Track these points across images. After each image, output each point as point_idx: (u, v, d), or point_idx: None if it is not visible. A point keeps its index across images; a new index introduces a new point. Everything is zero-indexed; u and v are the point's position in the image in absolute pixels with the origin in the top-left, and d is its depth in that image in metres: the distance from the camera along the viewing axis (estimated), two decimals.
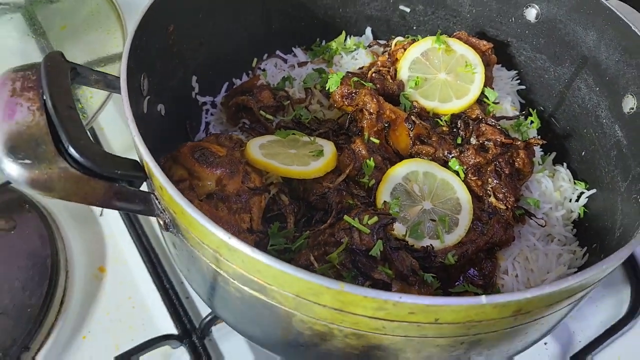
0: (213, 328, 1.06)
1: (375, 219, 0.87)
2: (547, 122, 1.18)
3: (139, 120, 0.83)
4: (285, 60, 1.27)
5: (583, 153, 1.10)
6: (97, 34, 1.46)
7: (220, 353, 1.07)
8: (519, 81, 1.22)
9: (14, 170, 0.67)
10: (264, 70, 1.25)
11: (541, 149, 1.15)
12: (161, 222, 0.76)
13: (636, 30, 0.94)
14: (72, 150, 0.69)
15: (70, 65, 0.80)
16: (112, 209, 0.74)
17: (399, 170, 0.96)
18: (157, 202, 0.75)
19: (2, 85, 0.74)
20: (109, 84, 0.87)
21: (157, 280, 1.10)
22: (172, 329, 1.06)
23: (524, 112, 1.19)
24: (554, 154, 1.15)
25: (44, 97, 0.72)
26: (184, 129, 1.14)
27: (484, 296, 0.61)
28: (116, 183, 0.73)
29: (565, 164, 1.13)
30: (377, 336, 0.68)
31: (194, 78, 1.13)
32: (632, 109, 0.96)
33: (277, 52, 1.27)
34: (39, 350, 1.05)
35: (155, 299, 1.12)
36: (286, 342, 0.78)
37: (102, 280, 1.17)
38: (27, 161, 0.67)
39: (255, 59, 1.25)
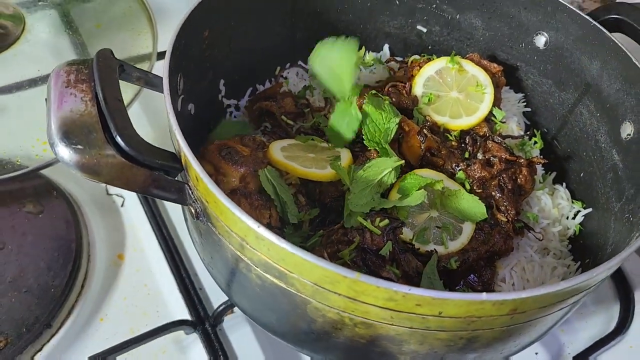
0: (226, 317, 1.13)
1: (386, 221, 0.93)
2: (549, 143, 1.26)
3: (177, 117, 0.91)
4: (306, 70, 1.34)
5: (582, 174, 1.18)
6: (128, 34, 1.53)
7: (229, 342, 1.13)
8: (525, 103, 1.30)
9: (66, 154, 0.74)
10: (286, 78, 1.32)
11: (543, 168, 1.22)
12: (192, 211, 0.83)
13: (636, 63, 1.02)
14: (119, 139, 0.76)
15: (119, 62, 0.87)
16: (149, 195, 0.80)
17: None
18: (190, 192, 0.82)
19: (56, 76, 0.81)
20: (150, 82, 0.94)
21: (175, 268, 1.17)
22: (185, 316, 1.12)
23: (528, 133, 1.26)
24: (554, 174, 1.22)
25: (96, 90, 0.79)
26: (207, 128, 1.21)
27: (484, 293, 0.68)
28: (155, 172, 0.80)
29: (564, 184, 1.20)
30: (385, 326, 0.74)
31: (222, 82, 1.20)
32: (629, 135, 1.03)
33: (300, 62, 1.34)
34: (59, 328, 1.11)
35: (170, 287, 1.19)
36: (298, 329, 0.85)
37: (121, 266, 1.24)
38: (79, 146, 0.74)
39: (279, 67, 1.33)
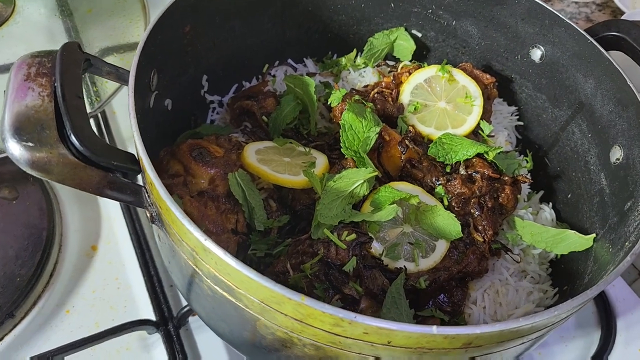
0: (190, 318, 1.11)
1: (353, 236, 0.90)
2: (540, 160, 1.21)
3: (142, 115, 0.88)
4: (295, 69, 1.31)
5: (569, 195, 1.13)
6: (121, 21, 1.51)
7: (195, 343, 1.11)
8: (518, 117, 1.25)
9: (16, 150, 0.71)
10: (273, 76, 1.29)
11: (529, 187, 1.18)
12: (148, 215, 0.80)
13: (631, 86, 0.97)
14: (73, 138, 0.73)
15: (85, 56, 0.85)
16: (104, 197, 0.78)
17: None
18: (147, 195, 0.80)
19: (18, 68, 0.79)
20: (120, 76, 0.92)
21: (144, 265, 1.15)
22: (150, 315, 1.10)
23: (517, 148, 1.22)
24: (541, 193, 1.18)
25: (55, 85, 0.76)
26: (189, 123, 1.18)
27: (434, 326, 0.64)
28: (111, 173, 0.77)
29: (550, 204, 1.16)
30: (334, 350, 0.72)
31: (205, 77, 1.17)
32: (618, 159, 0.99)
33: (289, 60, 1.31)
34: (22, 319, 1.10)
35: (140, 284, 1.17)
36: (251, 342, 0.82)
37: (93, 258, 1.22)
38: (30, 143, 0.71)
39: (267, 65, 1.29)
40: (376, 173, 0.96)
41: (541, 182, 1.20)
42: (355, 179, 0.94)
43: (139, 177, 0.83)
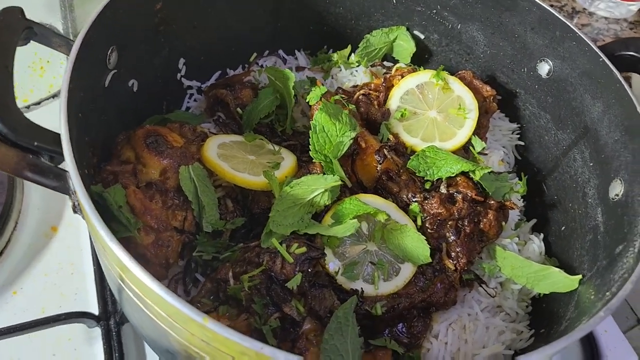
0: None
1: (303, 249, 0.82)
2: (537, 185, 1.10)
3: (91, 94, 0.81)
4: (285, 61, 1.22)
5: (563, 228, 1.02)
6: None
7: (141, 342, 1.04)
8: (519, 136, 1.14)
9: None
10: (261, 66, 1.20)
11: (519, 214, 1.07)
12: (72, 203, 0.73)
13: None
14: None
15: (27, 24, 0.78)
16: (24, 179, 0.71)
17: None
18: (71, 181, 0.72)
19: None
20: (71, 49, 0.85)
21: (94, 255, 1.09)
22: (94, 309, 1.04)
23: (514, 169, 1.11)
24: (533, 221, 1.07)
25: None
26: (161, 108, 1.11)
27: None
28: (32, 155, 0.70)
29: (542, 235, 1.04)
30: None
31: (182, 60, 1.10)
32: (617, 195, 0.87)
33: (280, 51, 1.23)
34: None
35: (92, 274, 1.10)
36: (171, 356, 0.75)
37: (51, 239, 1.17)
38: None
39: (255, 54, 1.21)
40: (339, 183, 0.87)
41: (536, 209, 1.09)
42: (314, 187, 0.85)
43: None
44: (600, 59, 0.93)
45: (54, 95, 1.24)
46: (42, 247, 1.15)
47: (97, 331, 1.04)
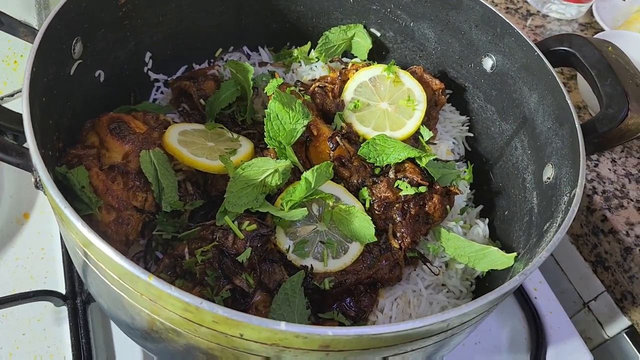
0: None
1: (254, 226, 0.87)
2: (485, 174, 1.17)
3: (55, 81, 0.87)
4: (249, 57, 1.28)
5: (506, 212, 1.09)
6: None
7: (108, 320, 1.09)
8: (468, 128, 1.21)
9: None
10: (226, 61, 1.26)
11: (467, 200, 1.13)
12: (33, 180, 0.78)
13: (569, 102, 0.93)
14: None
15: None
16: None
17: None
18: None
19: None
20: None
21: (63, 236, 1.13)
22: (61, 288, 1.09)
23: (463, 159, 1.18)
24: (480, 207, 1.13)
25: None
26: (129, 99, 1.16)
27: (283, 323, 0.61)
28: None
29: (487, 220, 1.11)
30: (193, 337, 0.69)
31: (148, 54, 1.15)
32: (549, 178, 0.94)
33: (244, 47, 1.29)
34: None
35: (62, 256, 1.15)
36: (125, 324, 0.80)
37: (23, 225, 1.21)
38: None
39: (220, 50, 1.27)
40: (289, 163, 0.93)
41: (484, 196, 1.15)
42: (265, 167, 0.91)
43: None
44: (535, 53, 1.00)
45: None
46: (13, 232, 1.20)
47: (65, 311, 1.09)
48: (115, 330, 1.08)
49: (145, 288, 0.64)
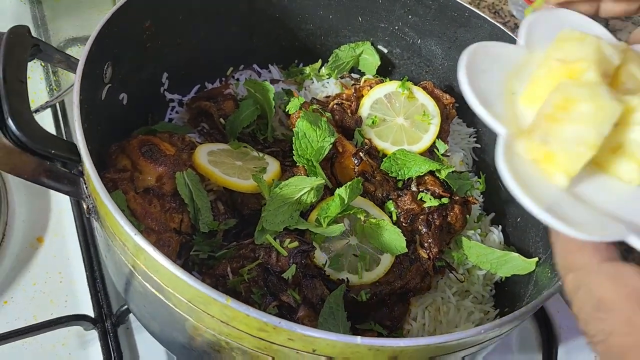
0: (131, 317, 1.08)
1: (295, 243, 0.90)
2: (494, 183, 1.22)
3: (92, 106, 0.87)
4: (259, 74, 1.30)
5: (518, 219, 1.14)
6: (89, 12, 1.50)
7: (134, 343, 1.09)
8: (475, 139, 1.26)
9: None
10: (237, 80, 1.28)
11: (480, 208, 1.19)
12: (85, 206, 0.79)
13: None
14: (10, 122, 0.72)
15: (34, 41, 0.84)
16: (40, 184, 0.77)
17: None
18: (84, 186, 0.78)
19: None
20: (71, 65, 0.91)
21: (87, 260, 1.13)
22: (90, 311, 1.08)
23: (472, 170, 1.23)
24: (492, 215, 1.19)
25: None
26: (146, 120, 1.17)
27: (359, 337, 0.64)
28: (48, 161, 0.76)
29: (500, 227, 1.16)
30: (261, 356, 0.71)
31: (165, 75, 1.16)
32: None
33: (254, 65, 1.31)
34: None
35: (83, 279, 1.14)
36: (181, 343, 0.81)
37: (38, 250, 1.20)
38: None
39: (231, 68, 1.29)
40: (323, 181, 0.96)
41: (494, 205, 1.21)
42: (302, 186, 0.94)
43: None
44: None
45: (36, 111, 1.28)
46: (29, 257, 1.18)
47: (91, 335, 1.08)
48: (142, 351, 1.09)
49: (219, 310, 0.66)
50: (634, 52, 0.67)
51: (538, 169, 0.59)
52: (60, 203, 1.27)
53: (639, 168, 0.60)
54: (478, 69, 0.66)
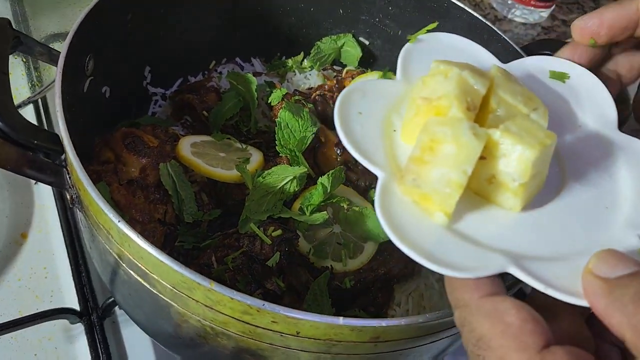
0: (117, 310, 1.09)
1: (279, 232, 0.91)
2: None
3: (74, 99, 0.87)
4: (242, 68, 1.31)
5: None
6: (71, 8, 1.50)
7: (120, 335, 1.10)
8: None
9: None
10: (220, 73, 1.29)
11: None
12: (68, 197, 0.79)
13: None
14: None
15: (15, 33, 0.84)
16: (24, 175, 0.77)
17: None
18: (68, 176, 0.78)
19: None
20: (52, 57, 0.91)
21: (72, 253, 1.13)
22: (75, 305, 1.08)
23: None
24: None
25: None
26: (130, 113, 1.17)
27: (341, 318, 0.65)
28: (31, 152, 0.76)
29: None
30: (245, 339, 0.72)
31: (148, 68, 1.17)
32: None
33: (237, 59, 1.32)
34: None
35: (69, 274, 1.14)
36: (167, 332, 0.82)
37: (22, 246, 1.20)
38: None
39: (214, 61, 1.30)
40: (306, 170, 0.97)
41: None
42: (284, 175, 0.95)
43: None
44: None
45: (18, 107, 1.27)
46: (13, 253, 1.18)
47: (77, 329, 1.09)
48: (128, 343, 1.09)
49: (203, 295, 0.67)
50: (503, 75, 0.68)
51: (419, 208, 0.60)
52: (43, 199, 1.27)
53: (514, 196, 0.61)
54: (354, 111, 0.68)
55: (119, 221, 0.67)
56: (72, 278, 1.12)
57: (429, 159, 0.58)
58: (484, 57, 0.80)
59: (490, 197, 0.63)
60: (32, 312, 1.07)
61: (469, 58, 0.74)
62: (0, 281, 1.13)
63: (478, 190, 0.63)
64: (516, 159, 0.58)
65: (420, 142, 0.59)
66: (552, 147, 0.61)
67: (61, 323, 1.09)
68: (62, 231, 1.17)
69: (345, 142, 0.65)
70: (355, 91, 0.70)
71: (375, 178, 1.06)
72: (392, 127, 0.69)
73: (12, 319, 1.02)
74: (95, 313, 1.06)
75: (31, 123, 0.76)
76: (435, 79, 0.64)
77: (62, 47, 0.84)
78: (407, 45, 0.74)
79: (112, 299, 1.05)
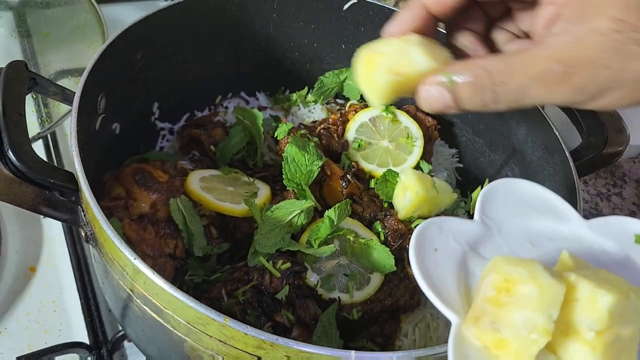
0: (126, 344, 1.10)
1: (288, 264, 0.92)
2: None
3: (87, 137, 0.90)
4: (247, 102, 1.34)
5: None
6: (80, 46, 1.53)
7: None
8: (458, 159, 1.31)
9: None
10: (226, 107, 1.32)
11: None
12: (83, 234, 0.81)
13: (557, 134, 1.03)
14: (10, 154, 0.74)
15: (31, 75, 0.86)
16: (39, 214, 0.79)
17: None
18: (82, 214, 0.80)
19: None
20: (66, 97, 0.94)
21: (82, 288, 1.14)
22: (85, 339, 1.09)
23: (457, 190, 1.27)
24: None
25: None
26: (139, 148, 1.19)
27: (353, 352, 0.67)
28: (47, 191, 0.78)
29: None
30: None
31: (156, 104, 1.20)
32: None
33: (242, 93, 1.35)
34: None
35: (77, 308, 1.15)
36: None
37: (30, 279, 1.21)
38: None
39: (220, 97, 1.33)
40: (313, 204, 0.99)
41: None
42: (292, 209, 0.97)
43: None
44: None
45: None
46: (22, 287, 1.19)
47: None
48: None
49: (217, 330, 0.68)
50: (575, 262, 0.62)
51: (489, 356, 0.55)
52: (52, 232, 1.28)
53: (591, 350, 0.54)
54: (430, 247, 0.64)
55: (135, 259, 0.69)
56: (81, 312, 1.14)
57: (507, 300, 0.54)
58: (559, 208, 0.76)
59: (561, 351, 0.56)
60: (41, 346, 1.08)
61: (543, 209, 0.73)
62: (10, 315, 1.14)
63: (549, 343, 0.55)
64: (590, 302, 0.53)
65: (493, 282, 0.56)
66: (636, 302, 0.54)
67: (71, 357, 1.10)
68: (72, 265, 1.19)
69: (420, 280, 0.61)
70: (432, 226, 0.66)
71: (379, 209, 1.09)
72: (467, 269, 0.65)
73: (23, 354, 1.03)
74: (105, 347, 1.07)
75: (46, 162, 0.78)
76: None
77: (71, 83, 0.88)
78: (486, 187, 0.73)
79: (121, 332, 1.06)
